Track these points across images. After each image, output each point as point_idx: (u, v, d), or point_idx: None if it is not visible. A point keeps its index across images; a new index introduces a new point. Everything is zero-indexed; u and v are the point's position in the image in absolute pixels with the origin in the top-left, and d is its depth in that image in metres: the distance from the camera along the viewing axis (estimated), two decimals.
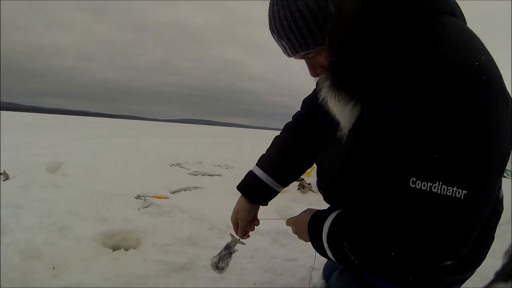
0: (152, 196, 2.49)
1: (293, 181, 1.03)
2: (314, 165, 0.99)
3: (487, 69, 0.49)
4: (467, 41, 0.51)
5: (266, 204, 1.02)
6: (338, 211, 0.68)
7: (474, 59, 0.48)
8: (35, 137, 6.72)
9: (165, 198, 2.52)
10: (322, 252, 0.69)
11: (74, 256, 1.43)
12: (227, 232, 1.93)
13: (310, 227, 0.72)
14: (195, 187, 3.01)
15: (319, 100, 0.66)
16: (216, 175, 3.77)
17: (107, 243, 1.69)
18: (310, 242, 0.74)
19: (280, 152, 0.97)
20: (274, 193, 1.00)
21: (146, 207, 2.23)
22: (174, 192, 2.77)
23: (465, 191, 0.46)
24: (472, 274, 0.74)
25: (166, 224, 1.92)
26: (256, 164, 1.00)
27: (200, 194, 2.84)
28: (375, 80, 0.54)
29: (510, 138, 0.52)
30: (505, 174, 5.90)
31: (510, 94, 0.60)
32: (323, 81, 0.64)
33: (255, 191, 0.97)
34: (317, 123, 0.85)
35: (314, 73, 0.66)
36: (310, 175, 3.45)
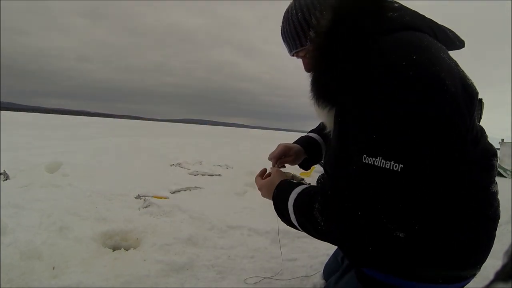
0: (152, 196, 2.49)
1: None
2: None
3: (419, 66, 0.58)
4: (405, 52, 0.60)
5: (308, 168, 1.19)
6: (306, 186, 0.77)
7: (407, 60, 0.58)
8: (35, 137, 6.72)
9: (165, 198, 2.52)
10: (284, 213, 0.77)
11: (74, 256, 1.43)
12: (227, 232, 1.94)
13: (276, 189, 0.83)
14: (195, 187, 3.02)
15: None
16: (216, 175, 3.77)
17: (107, 243, 1.69)
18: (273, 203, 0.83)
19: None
20: (319, 156, 1.16)
21: (146, 207, 2.23)
22: (174, 192, 2.77)
23: (402, 165, 0.55)
24: (475, 273, 0.74)
25: (166, 224, 1.92)
26: (309, 132, 1.21)
27: (200, 194, 2.84)
28: (341, 89, 0.68)
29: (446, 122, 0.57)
30: (505, 174, 5.91)
31: None
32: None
33: (310, 145, 1.15)
34: None
35: (306, 68, 0.86)
36: (310, 175, 3.45)
